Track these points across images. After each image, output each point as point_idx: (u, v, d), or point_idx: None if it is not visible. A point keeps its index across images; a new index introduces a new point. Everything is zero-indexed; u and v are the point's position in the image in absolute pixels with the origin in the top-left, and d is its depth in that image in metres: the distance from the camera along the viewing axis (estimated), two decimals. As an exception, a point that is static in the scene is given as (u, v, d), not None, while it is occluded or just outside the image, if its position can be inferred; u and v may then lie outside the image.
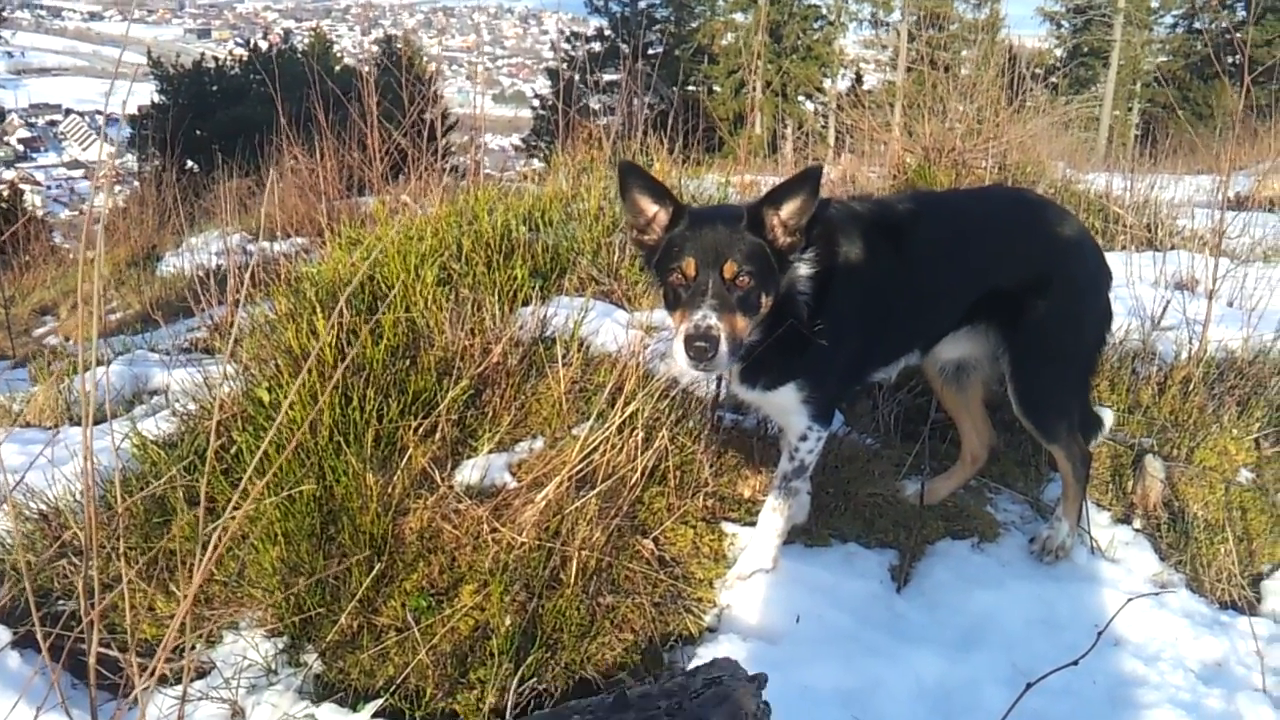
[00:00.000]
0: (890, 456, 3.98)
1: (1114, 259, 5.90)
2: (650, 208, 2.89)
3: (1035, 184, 8.16)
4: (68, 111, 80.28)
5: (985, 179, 8.07)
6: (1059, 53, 39.01)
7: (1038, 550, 3.62)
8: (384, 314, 3.67)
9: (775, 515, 3.21)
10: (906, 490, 3.82)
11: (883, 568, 3.44)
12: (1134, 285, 5.43)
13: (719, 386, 3.87)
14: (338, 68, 24.87)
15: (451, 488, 3.28)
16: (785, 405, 3.11)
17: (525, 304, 4.18)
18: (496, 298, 4.01)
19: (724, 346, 2.65)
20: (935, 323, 3.35)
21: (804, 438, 3.14)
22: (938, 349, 3.49)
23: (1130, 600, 3.05)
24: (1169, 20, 39.85)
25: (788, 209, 2.80)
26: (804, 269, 2.93)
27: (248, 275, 4.20)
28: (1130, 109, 38.31)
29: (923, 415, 4.09)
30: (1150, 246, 7.32)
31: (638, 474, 3.28)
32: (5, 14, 26.97)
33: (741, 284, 2.73)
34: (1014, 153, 8.78)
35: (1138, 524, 3.88)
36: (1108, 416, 3.83)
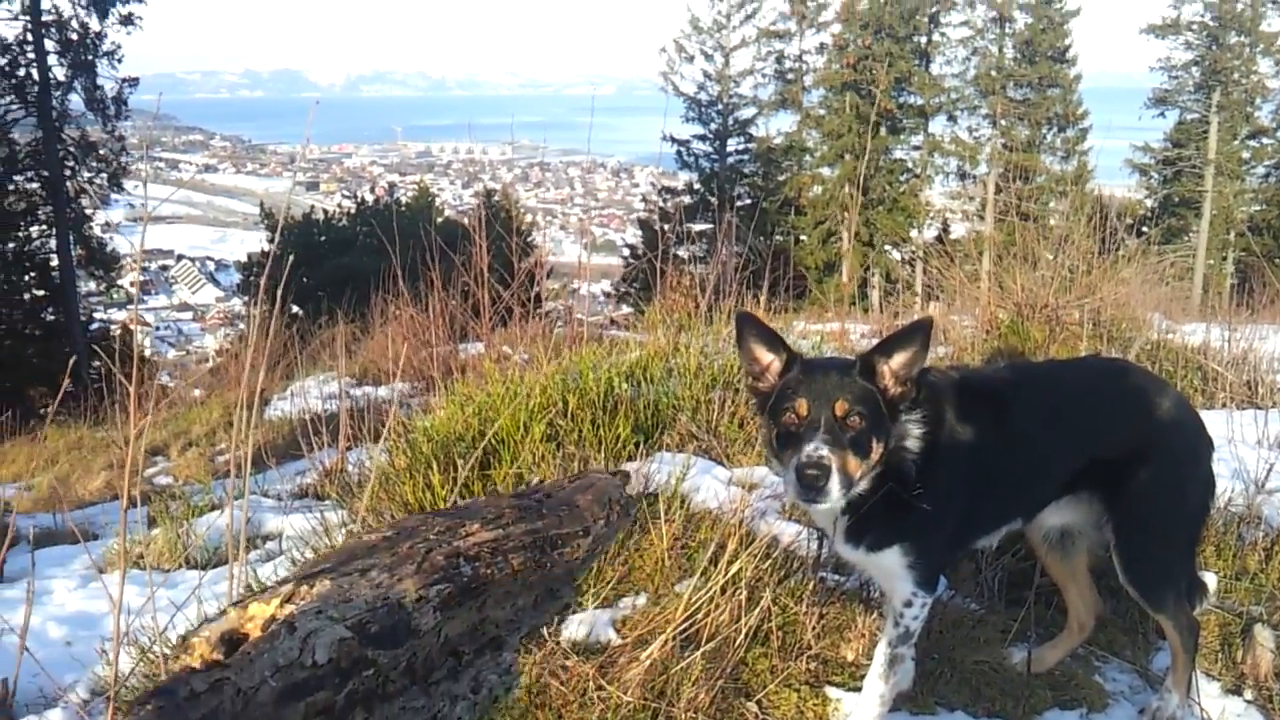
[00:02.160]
0: (995, 622, 3.93)
1: (1214, 418, 5.85)
2: (765, 356, 3.01)
3: (1131, 341, 8.10)
4: (179, 257, 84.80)
5: (1080, 335, 8.06)
6: (1149, 203, 38.97)
7: (1149, 722, 3.52)
8: (496, 470, 3.82)
9: (880, 682, 3.19)
10: (1013, 658, 3.76)
11: (991, 738, 3.37)
12: (1236, 446, 5.34)
13: (821, 546, 3.91)
14: (440, 219, 26.00)
15: (559, 643, 3.35)
16: (890, 569, 3.13)
17: (629, 460, 4.29)
18: (601, 454, 4.14)
19: (835, 479, 2.70)
20: (1038, 491, 3.38)
21: (909, 604, 3.15)
22: (1041, 516, 3.50)
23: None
24: (1260, 171, 39.65)
25: (899, 359, 2.89)
26: (914, 429, 3.00)
27: (366, 422, 4.41)
28: (1225, 258, 37.85)
29: (1027, 580, 4.05)
30: (1252, 404, 7.18)
31: (742, 635, 3.31)
32: (128, 167, 28.90)
33: (853, 424, 2.81)
34: (1108, 308, 8.77)
35: (1249, 695, 3.74)
36: (1211, 581, 3.75)
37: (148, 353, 28.17)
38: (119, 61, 27.36)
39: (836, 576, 3.94)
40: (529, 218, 28.55)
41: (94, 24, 26.67)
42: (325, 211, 31.68)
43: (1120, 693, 3.76)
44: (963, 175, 40.43)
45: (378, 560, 1.07)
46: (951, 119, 40.15)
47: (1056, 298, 8.70)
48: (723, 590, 3.39)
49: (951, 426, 3.10)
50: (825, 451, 2.71)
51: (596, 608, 3.55)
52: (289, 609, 0.95)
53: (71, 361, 4.68)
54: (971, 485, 3.17)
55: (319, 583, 0.96)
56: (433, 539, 1.14)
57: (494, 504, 1.31)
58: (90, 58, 26.72)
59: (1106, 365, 4.63)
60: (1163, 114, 39.17)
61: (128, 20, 26.97)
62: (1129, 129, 40.03)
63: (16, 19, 26.04)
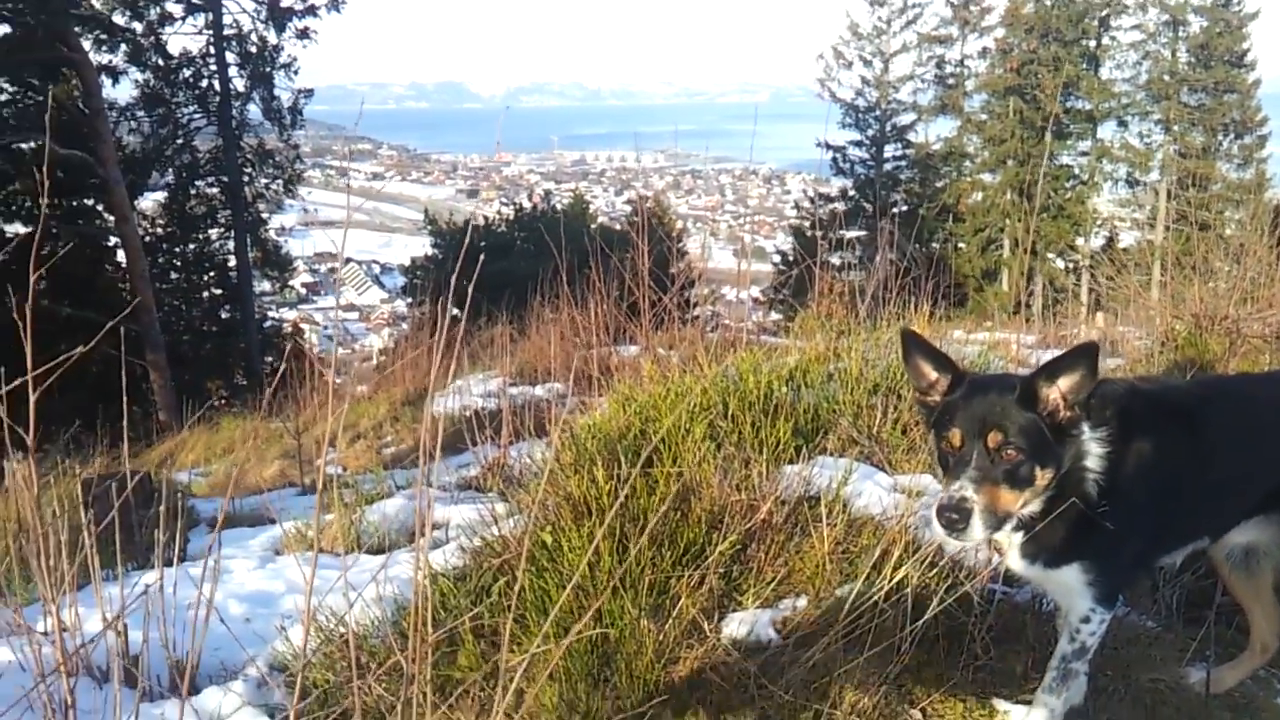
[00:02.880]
0: (1173, 641, 3.77)
1: None
2: (931, 373, 2.98)
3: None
4: (347, 260, 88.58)
5: (1263, 349, 7.63)
6: (1332, 215, 36.45)
7: (1336, 752, 3.32)
8: (657, 468, 3.87)
9: (1052, 697, 3.11)
10: (1190, 678, 3.59)
11: (1166, 761, 3.24)
12: None
13: (988, 557, 3.82)
14: (594, 225, 26.43)
15: (720, 639, 3.37)
16: (1069, 585, 3.04)
17: (789, 463, 4.29)
18: (762, 456, 4.14)
19: (977, 520, 2.66)
20: (1228, 510, 3.24)
21: (1086, 619, 3.05)
22: (1228, 534, 3.34)
23: None
24: None
25: (1065, 383, 2.79)
26: (1096, 448, 2.90)
27: (523, 419, 4.52)
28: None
29: (1207, 599, 3.86)
30: None
31: (907, 642, 3.27)
32: (300, 174, 30.46)
33: (1008, 456, 2.74)
34: (1292, 321, 8.26)
35: None
36: None
37: (316, 350, 29.64)
38: (295, 74, 28.85)
39: (1007, 589, 3.85)
40: (679, 224, 28.74)
41: (272, 37, 28.24)
42: (485, 218, 32.59)
43: (1306, 719, 3.55)
44: (1132, 182, 38.70)
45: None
46: (1122, 124, 38.58)
47: (1236, 309, 8.25)
48: (887, 596, 3.36)
49: (1139, 443, 2.98)
50: (969, 492, 2.67)
51: (757, 607, 3.57)
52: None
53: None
54: (1158, 504, 3.06)
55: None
56: None
57: None
58: (268, 70, 28.26)
59: None
60: (1345, 121, 36.62)
61: (303, 34, 28.42)
62: (1309, 137, 37.64)
63: (200, 33, 27.78)
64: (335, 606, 3.91)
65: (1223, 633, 3.82)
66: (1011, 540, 3.02)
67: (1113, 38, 38.13)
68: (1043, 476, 2.80)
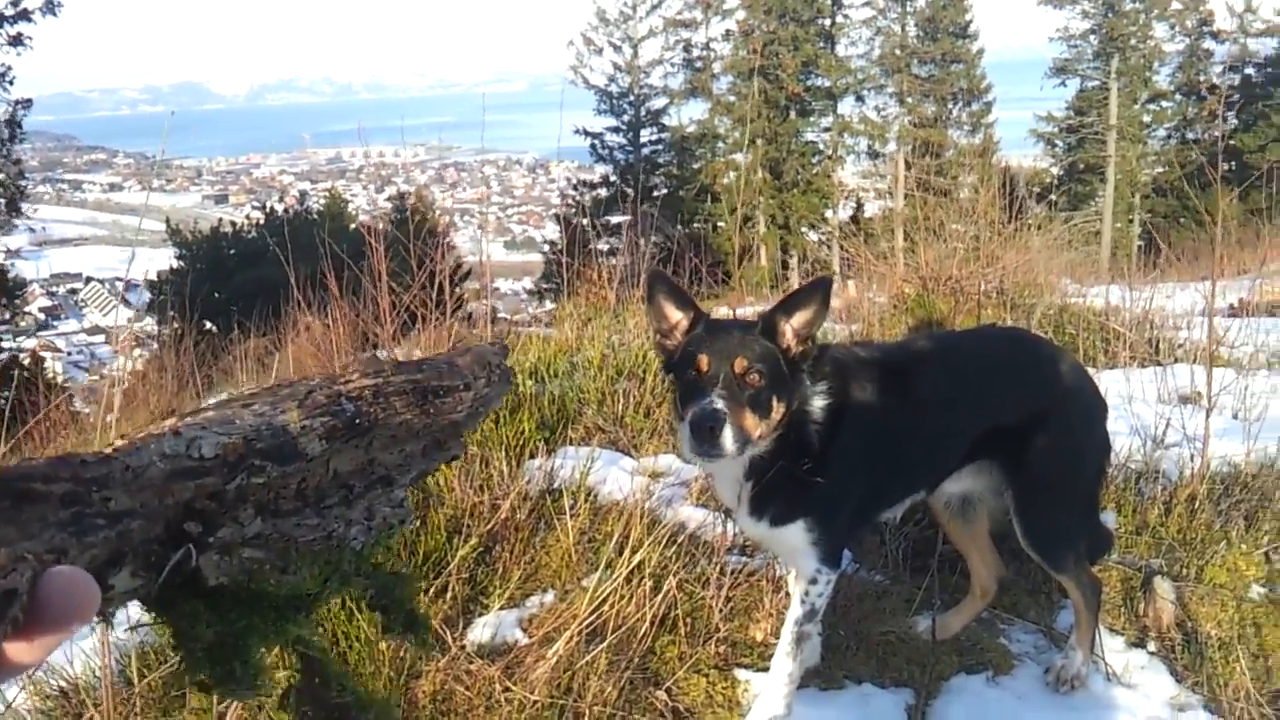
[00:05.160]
0: (900, 592, 3.99)
1: (1116, 377, 5.98)
2: (674, 314, 3.02)
3: (1033, 307, 8.27)
4: (88, 279, 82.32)
5: (984, 304, 8.21)
6: (1055, 171, 39.90)
7: (1053, 681, 3.59)
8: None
9: (788, 660, 3.20)
10: (918, 627, 3.81)
11: (899, 708, 3.41)
12: (1136, 403, 5.48)
13: (725, 528, 3.92)
14: (352, 226, 25.62)
15: (464, 648, 3.31)
16: (794, 545, 3.14)
17: (533, 457, 4.26)
18: (504, 453, 4.10)
19: (729, 432, 2.71)
20: (941, 462, 3.43)
21: (814, 581, 3.17)
22: (943, 485, 3.55)
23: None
24: (1161, 133, 40.82)
25: (799, 317, 2.91)
26: (818, 400, 3.02)
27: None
28: (1131, 221, 38.92)
29: (930, 548, 4.11)
30: (1155, 362, 7.36)
31: (647, 623, 3.31)
32: (27, 190, 28.04)
33: (752, 381, 2.82)
34: (1012, 275, 8.95)
35: (1152, 647, 3.85)
36: (1110, 520, 3.85)
37: (60, 379, 27.39)
38: (10, 84, 26.45)
39: (743, 559, 3.96)
40: (445, 219, 28.28)
41: (-20, 45, 25.78)
42: (234, 224, 31.02)
43: (1026, 653, 3.83)
44: (873, 154, 40.94)
45: (258, 400, 1.08)
46: (859, 99, 40.73)
47: (961, 269, 8.85)
48: (627, 580, 3.38)
49: (855, 399, 3.12)
50: (721, 405, 2.72)
51: (502, 609, 3.52)
52: (171, 423, 0.95)
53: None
54: (875, 458, 3.20)
55: (202, 415, 0.97)
56: (314, 384, 1.14)
57: (372, 363, 1.30)
58: (-22, 81, 25.82)
59: (1004, 333, 4.72)
60: (1064, 83, 40.07)
61: (17, 40, 26.06)
62: (1032, 99, 40.99)
63: (-103, 44, 25.09)
64: (57, 660, 3.61)
65: (946, 580, 4.07)
66: (742, 496, 3.10)
67: (846, 16, 40.17)
68: (778, 409, 2.89)
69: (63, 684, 3.57)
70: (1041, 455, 3.39)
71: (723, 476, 3.07)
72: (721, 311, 8.30)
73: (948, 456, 3.44)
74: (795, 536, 3.12)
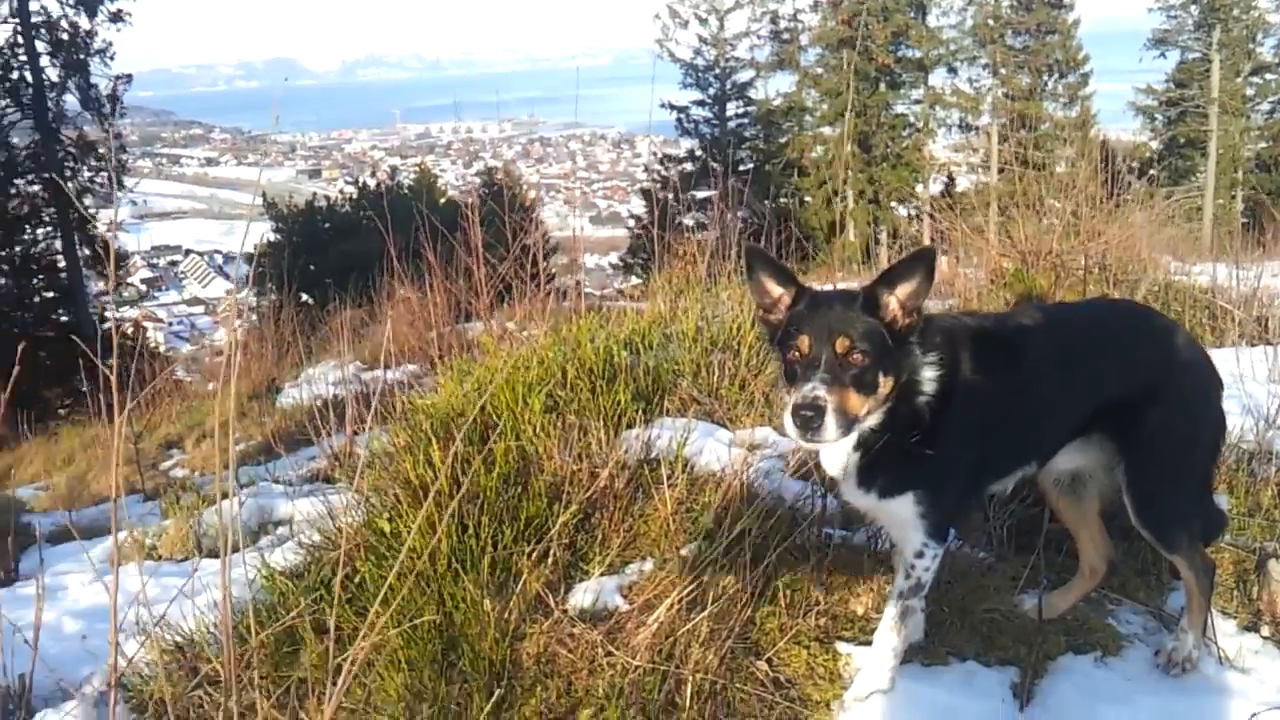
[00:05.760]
0: (1005, 570, 3.91)
1: (1224, 356, 5.79)
2: (775, 289, 3.00)
3: (1137, 283, 8.04)
4: (187, 252, 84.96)
5: (1086, 280, 8.00)
6: (1155, 145, 38.62)
7: (1164, 663, 3.51)
8: (495, 443, 3.81)
9: (891, 634, 3.18)
10: (1025, 605, 3.74)
11: (1004, 686, 3.36)
12: (1246, 383, 5.29)
13: (826, 501, 3.89)
14: (442, 200, 25.97)
15: (565, 612, 3.35)
16: (902, 517, 3.11)
17: (630, 427, 4.28)
18: (601, 422, 4.12)
19: (830, 418, 2.69)
20: (1052, 435, 3.36)
21: (920, 554, 3.13)
22: (1053, 460, 3.47)
23: (1261, 713, 2.93)
24: (1265, 107, 39.19)
25: (903, 289, 2.86)
26: (928, 371, 2.98)
27: (365, 407, 4.40)
28: (1234, 197, 37.53)
29: (1037, 527, 4.03)
30: (1263, 340, 7.11)
31: (748, 594, 3.31)
32: (128, 164, 28.94)
33: (855, 360, 2.79)
34: (1114, 251, 8.70)
35: (1266, 631, 3.72)
36: (1224, 503, 3.73)
37: (162, 348, 28.37)
38: (111, 59, 27.36)
39: (843, 532, 3.93)
40: (531, 194, 28.49)
41: (84, 23, 26.70)
42: (328, 199, 31.62)
43: (1135, 635, 3.74)
44: (965, 127, 40.14)
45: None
46: (951, 71, 39.88)
47: (1061, 244, 8.64)
48: (727, 551, 3.38)
49: (966, 370, 3.07)
50: (821, 391, 2.70)
51: (602, 575, 3.55)
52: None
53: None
54: (986, 429, 3.15)
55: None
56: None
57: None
58: (82, 57, 26.71)
59: (1118, 306, 4.61)
60: (1163, 54, 38.78)
61: (117, 17, 26.96)
62: (1130, 72, 39.76)
63: (5, 21, 26.04)
64: (172, 616, 3.75)
65: (1053, 559, 3.99)
66: (849, 467, 3.06)
67: (938, -16, 39.29)
68: (885, 383, 2.85)
69: (178, 639, 3.71)
70: (1156, 430, 3.29)
71: (829, 448, 3.02)
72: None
73: (1059, 428, 3.36)
74: (904, 509, 3.09)
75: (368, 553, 3.61)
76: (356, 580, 3.50)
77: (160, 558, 5.45)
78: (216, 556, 5.27)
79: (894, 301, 2.87)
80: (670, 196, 9.11)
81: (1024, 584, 3.83)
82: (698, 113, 39.13)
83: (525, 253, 6.27)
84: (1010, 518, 4.18)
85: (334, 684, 2.52)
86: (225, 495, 6.11)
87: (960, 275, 9.65)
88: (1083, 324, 3.59)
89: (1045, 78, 38.85)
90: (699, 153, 37.94)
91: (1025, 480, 3.59)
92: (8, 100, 26.42)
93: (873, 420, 2.91)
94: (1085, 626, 3.69)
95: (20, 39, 26.18)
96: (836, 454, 3.04)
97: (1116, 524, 3.82)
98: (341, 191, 32.74)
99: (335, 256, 23.79)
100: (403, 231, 9.08)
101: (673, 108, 38.28)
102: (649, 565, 3.63)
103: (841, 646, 3.39)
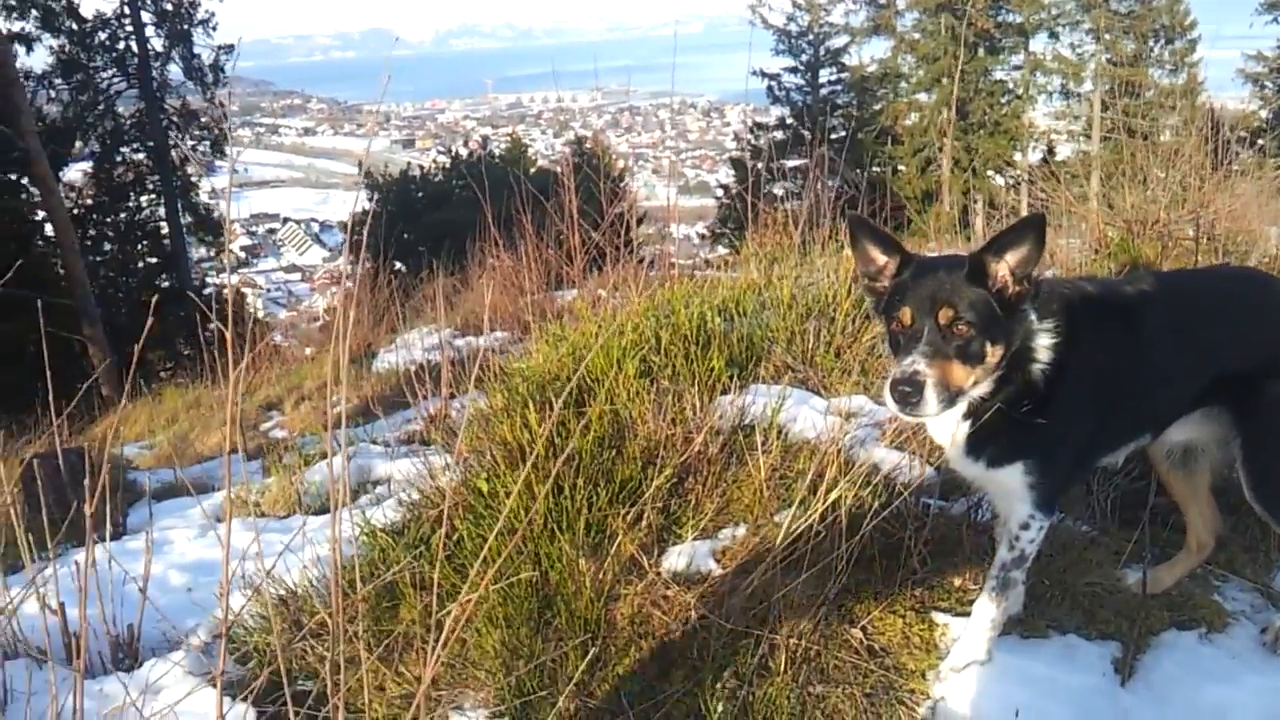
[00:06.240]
0: (1108, 544, 3.83)
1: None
2: (880, 258, 2.95)
3: (1248, 255, 7.74)
4: (285, 220, 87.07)
5: (1193, 250, 7.73)
6: (1264, 114, 36.93)
7: (1270, 641, 3.40)
8: (591, 407, 3.84)
9: (990, 606, 3.13)
10: (1128, 579, 3.65)
11: (1105, 660, 3.29)
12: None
13: (922, 471, 3.84)
14: (533, 169, 26.14)
15: (660, 574, 3.38)
16: (1010, 487, 3.05)
17: (724, 393, 4.27)
18: (695, 388, 4.12)
19: (930, 393, 2.65)
20: (1170, 405, 3.26)
21: (1026, 526, 3.07)
22: (1167, 432, 3.37)
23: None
24: (1381, 71, 37.15)
25: (1013, 257, 2.77)
26: (1045, 339, 2.90)
27: (468, 370, 4.46)
28: (1350, 168, 35.72)
29: (1141, 500, 3.92)
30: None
31: (843, 562, 3.29)
32: (229, 133, 29.73)
33: (960, 331, 2.73)
34: (1222, 222, 8.37)
35: (1378, 611, 3.58)
36: None
37: (260, 314, 29.18)
38: (214, 30, 28.11)
39: (941, 502, 3.88)
40: (620, 163, 28.50)
41: (187, -7, 27.39)
42: (422, 168, 32.08)
43: (1241, 612, 3.64)
44: (1067, 94, 38.84)
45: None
46: (1053, 36, 38.54)
47: (1167, 213, 8.35)
48: (822, 518, 3.37)
49: (1083, 339, 2.98)
50: (921, 366, 2.66)
51: (696, 539, 3.57)
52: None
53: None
54: (1101, 399, 3.07)
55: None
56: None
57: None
58: (185, 27, 27.51)
59: (1239, 273, 4.44)
60: (1276, 20, 36.82)
61: (218, -12, 27.62)
62: (1240, 38, 37.79)
63: (114, -7, 26.89)
64: (276, 571, 3.87)
65: (1158, 534, 3.89)
66: (957, 435, 3.02)
67: (1041, -52, 38.02)
68: (993, 353, 2.79)
69: (282, 593, 3.84)
70: (1276, 404, 3.17)
71: (936, 419, 2.96)
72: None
73: (1177, 399, 3.26)
74: (1013, 479, 3.03)
75: (466, 512, 3.68)
76: (455, 539, 3.57)
77: (264, 514, 5.62)
78: (317, 514, 5.45)
79: (1004, 269, 2.79)
80: (761, 165, 9.02)
81: (1127, 558, 3.75)
82: (790, 80, 38.55)
83: (619, 219, 6.28)
84: (1115, 490, 4.08)
85: (434, 639, 2.59)
86: (326, 455, 6.28)
87: (1062, 245, 9.40)
88: (1203, 292, 3.46)
89: (1151, 43, 37.33)
90: (790, 120, 37.49)
91: (1136, 452, 3.50)
92: (114, 70, 27.35)
93: (982, 389, 2.85)
94: (1190, 603, 3.60)
95: (127, 10, 27.02)
96: (945, 422, 2.99)
97: (1224, 499, 3.70)
98: (435, 161, 33.21)
99: (429, 225, 24.19)
100: (495, 200, 9.18)
101: (764, 75, 37.77)
102: (742, 530, 3.63)
103: (938, 616, 3.35)
